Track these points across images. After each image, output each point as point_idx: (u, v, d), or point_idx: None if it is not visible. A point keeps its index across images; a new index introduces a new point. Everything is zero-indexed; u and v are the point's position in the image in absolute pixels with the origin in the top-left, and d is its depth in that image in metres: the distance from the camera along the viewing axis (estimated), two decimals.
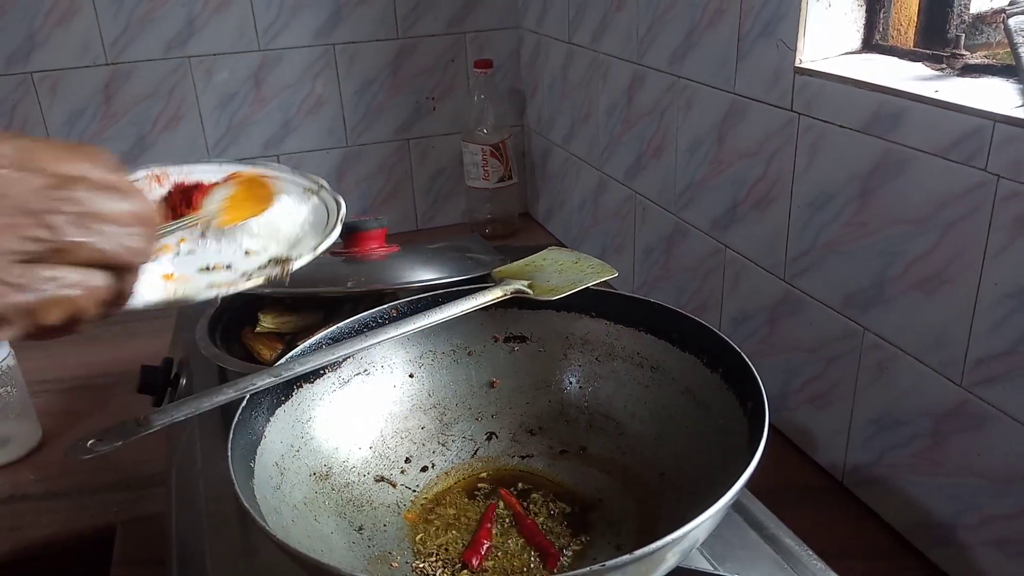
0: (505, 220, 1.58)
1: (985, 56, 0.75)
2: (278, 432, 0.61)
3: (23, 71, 1.34)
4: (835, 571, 0.61)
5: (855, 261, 0.80)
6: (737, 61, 0.92)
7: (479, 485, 0.67)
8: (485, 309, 0.69)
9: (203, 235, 0.59)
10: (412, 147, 1.58)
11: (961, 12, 0.76)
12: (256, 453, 0.58)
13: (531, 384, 0.72)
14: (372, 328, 0.67)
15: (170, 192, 0.63)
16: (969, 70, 0.74)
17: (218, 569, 0.63)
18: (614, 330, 0.70)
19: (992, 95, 0.67)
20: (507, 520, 0.63)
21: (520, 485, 0.66)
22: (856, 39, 0.85)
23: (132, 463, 0.96)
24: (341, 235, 0.61)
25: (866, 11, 0.85)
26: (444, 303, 0.67)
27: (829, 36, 0.84)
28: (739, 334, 1.00)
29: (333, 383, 0.67)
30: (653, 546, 0.44)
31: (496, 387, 0.73)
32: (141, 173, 0.64)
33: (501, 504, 0.64)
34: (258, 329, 0.84)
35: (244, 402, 0.58)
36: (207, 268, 0.57)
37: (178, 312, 1.04)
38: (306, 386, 0.65)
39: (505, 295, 0.69)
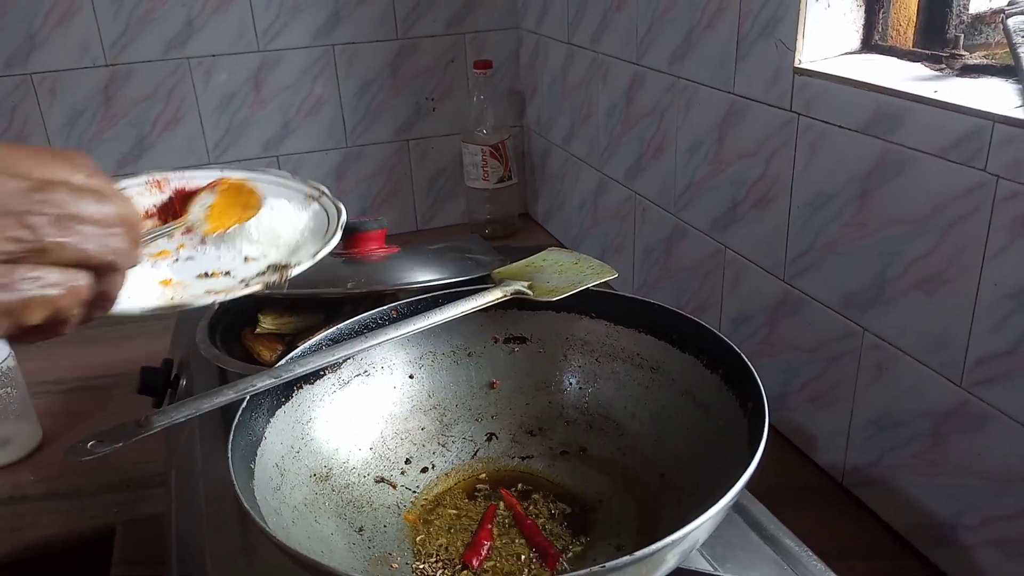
0: (505, 221, 1.58)
1: (984, 56, 0.75)
2: (278, 433, 0.61)
3: (23, 72, 1.34)
4: (835, 572, 0.61)
5: (855, 261, 0.80)
6: (736, 61, 0.92)
7: (479, 486, 0.67)
8: (485, 310, 0.69)
9: (203, 241, 0.59)
10: (412, 148, 1.58)
11: (960, 12, 0.76)
12: (256, 454, 0.58)
13: (531, 385, 0.72)
14: (372, 329, 0.67)
15: (171, 198, 0.63)
16: (968, 70, 0.74)
17: (218, 570, 0.63)
18: (614, 331, 0.70)
19: (991, 95, 0.68)
20: (507, 521, 0.63)
21: (520, 486, 0.66)
22: (855, 39, 0.85)
23: (132, 464, 0.96)
24: (341, 236, 0.61)
25: (865, 11, 0.85)
26: (444, 304, 0.67)
27: (828, 36, 0.84)
28: (739, 334, 1.00)
29: (333, 384, 0.67)
30: (653, 547, 0.44)
31: (496, 388, 0.73)
32: (142, 179, 0.65)
33: (502, 505, 0.64)
34: (258, 330, 0.84)
35: (244, 403, 0.58)
36: (206, 274, 0.57)
37: (178, 313, 1.04)
38: (306, 387, 0.65)
39: (505, 296, 0.69)
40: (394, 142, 1.57)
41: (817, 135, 0.82)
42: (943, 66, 0.76)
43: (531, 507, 0.64)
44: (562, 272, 0.73)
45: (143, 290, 0.53)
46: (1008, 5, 0.70)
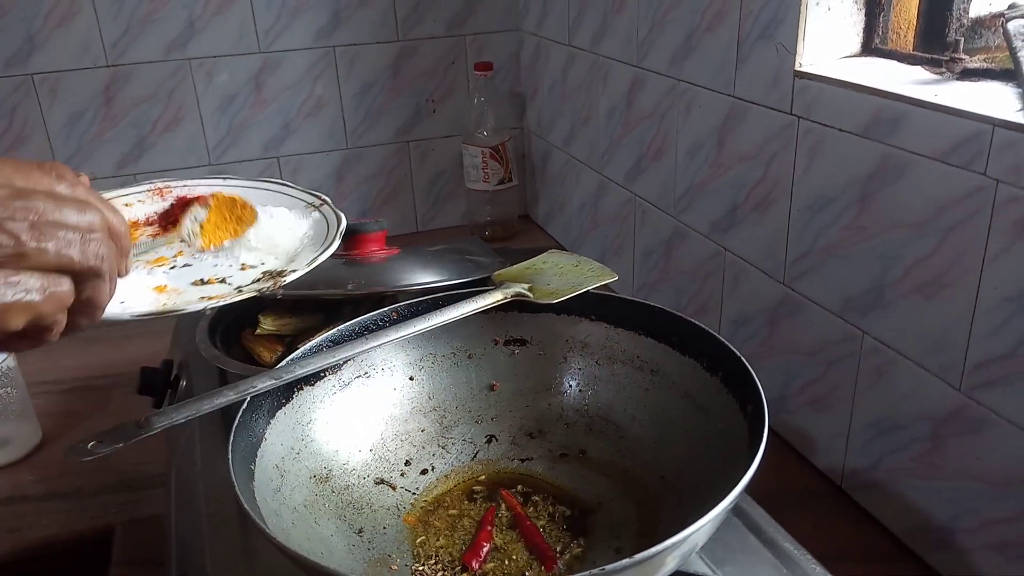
0: (505, 222, 1.58)
1: (984, 60, 0.75)
2: (278, 434, 0.61)
3: (23, 72, 1.34)
4: (833, 575, 0.61)
5: (854, 265, 0.80)
6: (737, 64, 0.92)
7: (478, 488, 0.67)
8: (485, 312, 0.69)
9: (201, 249, 0.59)
10: (412, 149, 1.58)
11: (960, 16, 0.77)
12: (256, 455, 0.58)
13: (531, 387, 0.72)
14: (372, 331, 0.67)
15: (172, 205, 0.64)
16: (968, 74, 0.74)
17: (218, 571, 0.63)
18: (614, 333, 0.70)
19: (991, 99, 0.68)
20: (507, 523, 0.63)
21: (520, 488, 0.66)
22: (855, 43, 0.86)
23: (132, 464, 0.96)
24: (340, 241, 0.61)
25: (865, 15, 0.85)
26: (444, 306, 0.67)
27: (829, 39, 0.84)
28: (738, 336, 1.00)
29: (333, 386, 0.67)
30: (653, 550, 0.44)
31: (496, 390, 0.73)
32: (145, 187, 0.65)
33: (502, 507, 0.64)
34: (258, 331, 0.84)
35: (245, 404, 0.58)
36: (201, 281, 0.57)
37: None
38: (306, 388, 0.65)
39: (505, 298, 0.69)
40: (394, 143, 1.57)
41: (817, 138, 0.82)
42: (943, 70, 0.76)
43: (531, 509, 0.64)
44: (562, 274, 0.73)
45: (136, 296, 0.53)
46: (1008, 9, 0.70)
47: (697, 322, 0.65)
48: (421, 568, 0.59)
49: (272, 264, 0.59)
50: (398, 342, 0.68)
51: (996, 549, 0.70)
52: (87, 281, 0.42)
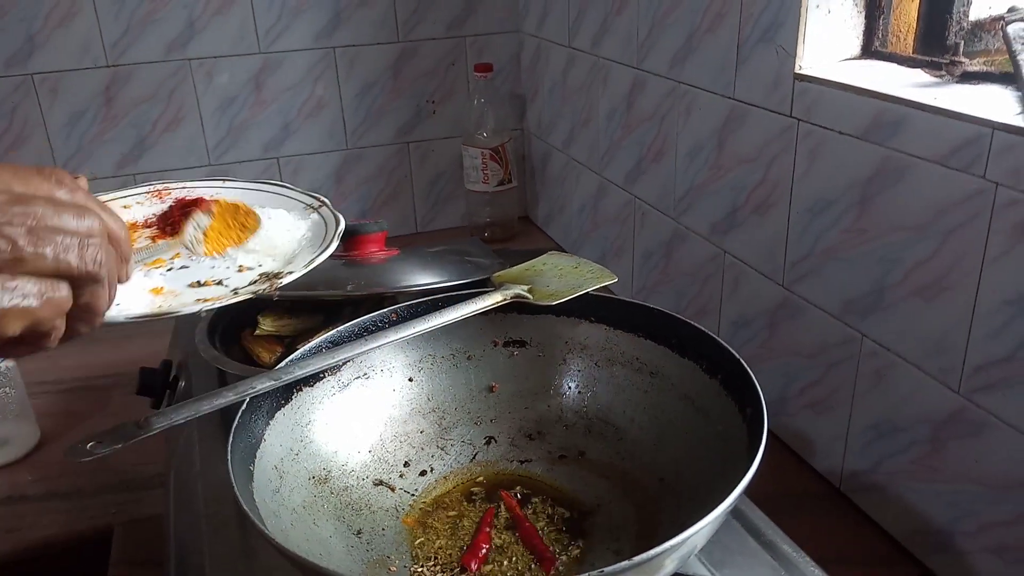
0: (505, 224, 1.58)
1: (984, 63, 0.75)
2: (277, 435, 0.61)
3: (23, 72, 1.34)
4: None
5: (854, 267, 0.80)
6: (737, 66, 0.92)
7: (477, 489, 0.67)
8: (485, 313, 0.69)
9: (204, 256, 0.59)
10: (412, 150, 1.58)
11: (960, 19, 0.77)
12: (255, 456, 0.58)
13: (530, 389, 0.72)
14: (372, 332, 0.67)
15: (171, 207, 0.63)
16: (968, 77, 0.74)
17: (216, 571, 0.64)
18: (613, 335, 0.71)
19: (991, 102, 0.68)
20: (505, 524, 0.63)
21: (519, 490, 0.66)
22: (855, 45, 0.86)
23: (131, 465, 0.96)
24: (341, 238, 0.61)
25: (865, 18, 0.85)
26: (444, 307, 0.67)
27: (829, 42, 0.84)
28: (738, 339, 1.00)
29: (333, 387, 0.67)
30: (652, 552, 0.44)
31: (495, 391, 0.73)
32: (145, 189, 0.65)
33: (501, 508, 0.64)
34: (257, 332, 0.84)
35: (244, 405, 0.58)
36: (198, 283, 0.57)
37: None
38: (306, 389, 0.65)
39: (505, 300, 0.69)
40: (394, 144, 1.57)
41: (817, 141, 0.82)
42: (943, 73, 0.76)
43: (530, 511, 0.64)
44: (562, 276, 0.73)
45: (132, 298, 0.53)
46: (1008, 12, 0.70)
47: (696, 324, 0.65)
48: (420, 569, 0.59)
49: (270, 266, 0.59)
50: (397, 343, 0.68)
51: (995, 552, 0.70)
52: (85, 286, 0.42)
